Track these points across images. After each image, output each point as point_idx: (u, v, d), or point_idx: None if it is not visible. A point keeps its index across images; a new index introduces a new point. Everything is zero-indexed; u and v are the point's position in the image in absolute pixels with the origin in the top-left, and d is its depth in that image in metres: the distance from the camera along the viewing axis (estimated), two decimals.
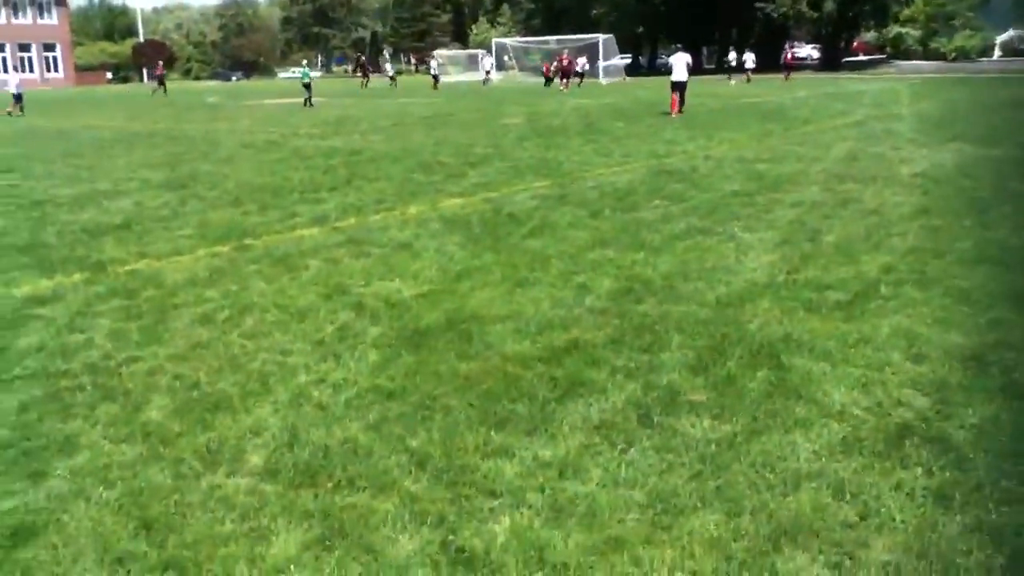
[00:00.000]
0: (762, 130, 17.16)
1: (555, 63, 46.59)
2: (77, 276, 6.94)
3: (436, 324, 5.44)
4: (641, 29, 63.79)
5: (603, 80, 49.98)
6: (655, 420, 3.94)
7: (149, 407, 4.29)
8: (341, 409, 4.19)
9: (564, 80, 42.44)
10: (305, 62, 38.00)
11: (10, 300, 6.28)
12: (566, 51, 48.90)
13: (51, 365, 4.92)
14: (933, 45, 55.33)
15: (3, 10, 75.66)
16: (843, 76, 47.26)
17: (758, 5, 55.27)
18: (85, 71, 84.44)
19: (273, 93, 44.93)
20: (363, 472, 3.54)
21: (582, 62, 46.77)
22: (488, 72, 53.66)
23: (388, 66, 59.45)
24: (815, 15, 54.60)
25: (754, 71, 44.12)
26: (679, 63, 22.33)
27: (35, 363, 4.96)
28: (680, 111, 21.86)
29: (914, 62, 54.68)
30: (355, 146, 16.46)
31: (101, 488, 3.46)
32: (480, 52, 67.39)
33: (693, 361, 4.64)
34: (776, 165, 11.94)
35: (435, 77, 48.68)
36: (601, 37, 53.12)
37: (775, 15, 54.86)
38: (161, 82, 47.83)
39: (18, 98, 30.06)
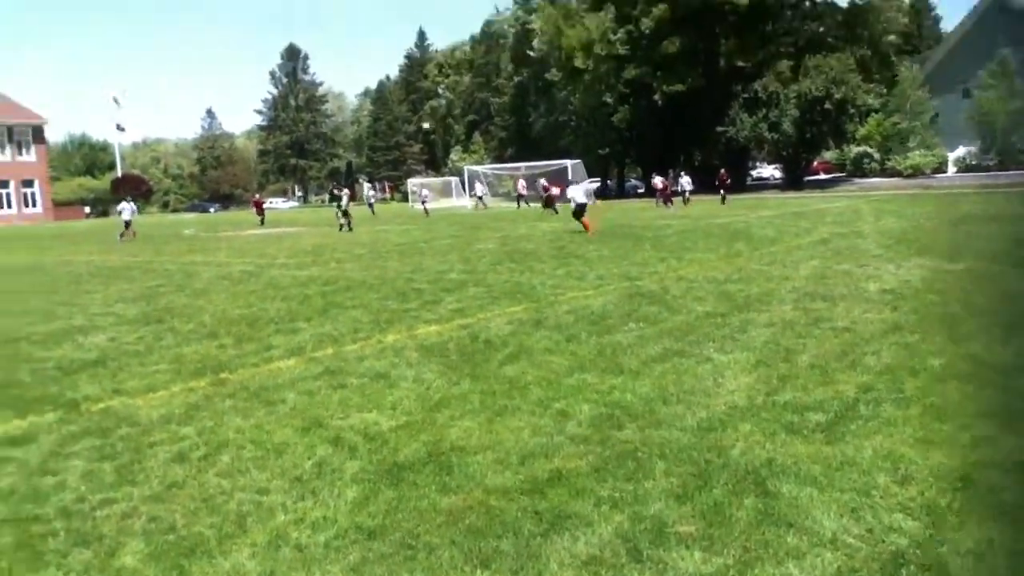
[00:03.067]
0: (730, 250, 17.53)
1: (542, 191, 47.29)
2: (51, 415, 6.82)
3: (416, 456, 5.38)
4: (604, 148, 65.71)
5: (572, 204, 51.09)
6: (645, 554, 3.87)
7: (124, 552, 4.17)
8: (321, 551, 4.09)
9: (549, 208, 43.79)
10: (346, 191, 38.69)
11: None
12: (542, 180, 50.60)
13: (22, 510, 4.79)
14: (890, 163, 57.33)
15: None
16: (805, 195, 48.69)
17: (720, 129, 57.32)
18: (63, 206, 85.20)
19: (250, 224, 45.36)
20: None
21: (521, 184, 48.90)
22: (480, 197, 55.10)
23: (368, 192, 61.11)
24: (775, 137, 56.63)
25: (728, 189, 44.20)
26: (577, 192, 26.78)
27: (5, 508, 4.83)
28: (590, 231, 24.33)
29: (873, 180, 56.54)
30: (331, 275, 16.58)
31: None
32: (455, 179, 68.86)
33: (678, 489, 4.60)
34: (746, 285, 12.15)
35: (423, 204, 49.76)
36: (569, 163, 54.62)
37: (739, 138, 56.85)
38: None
39: None
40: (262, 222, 44.13)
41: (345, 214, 33.65)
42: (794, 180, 59.33)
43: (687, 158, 66.82)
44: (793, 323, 9.14)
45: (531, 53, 69.94)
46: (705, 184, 50.23)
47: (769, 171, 78.36)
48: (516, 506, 4.49)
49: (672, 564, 3.76)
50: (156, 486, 5.11)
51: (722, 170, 44.66)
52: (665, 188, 44.04)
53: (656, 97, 57.03)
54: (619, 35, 58.64)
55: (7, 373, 8.61)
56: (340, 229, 32.79)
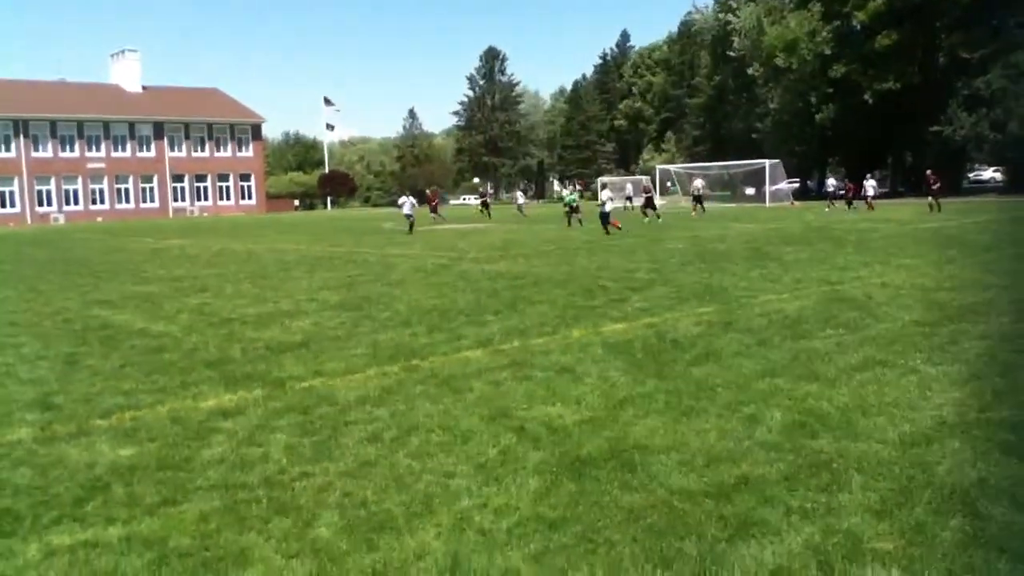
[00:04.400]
0: (942, 257, 16.35)
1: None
2: (258, 391, 7.32)
3: (598, 452, 5.35)
4: (803, 148, 62.93)
5: (768, 204, 49.52)
6: (836, 568, 3.66)
7: (319, 523, 4.39)
8: (503, 536, 4.14)
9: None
10: (576, 187, 39.81)
11: (197, 413, 6.69)
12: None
13: (230, 477, 5.15)
14: None
15: (208, 144, 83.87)
16: None
17: (934, 129, 53.59)
18: (275, 199, 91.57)
19: (443, 219, 46.89)
20: None
21: (697, 184, 46.86)
22: (629, 198, 53.31)
23: (518, 194, 58.01)
24: (998, 137, 52.33)
25: (938, 193, 37.65)
26: (603, 195, 29.27)
27: (216, 474, 5.21)
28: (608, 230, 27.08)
29: None
30: (519, 270, 16.85)
31: None
32: (645, 178, 68.29)
33: (876, 504, 4.32)
34: (959, 294, 11.28)
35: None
36: (767, 162, 52.85)
37: (956, 138, 52.88)
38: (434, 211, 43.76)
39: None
40: (436, 217, 43.12)
41: (575, 210, 34.14)
42: (1018, 184, 54.54)
43: (896, 159, 63.06)
44: (1012, 336, 8.39)
45: (730, 52, 68.21)
46: (916, 187, 47.11)
47: (988, 174, 72.67)
48: (700, 509, 4.37)
49: None
50: (350, 463, 5.36)
51: (928, 172, 39.66)
52: (849, 191, 41.93)
53: (865, 96, 54.09)
54: (826, 33, 56.10)
55: (221, 351, 9.32)
56: (576, 223, 33.07)
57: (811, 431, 5.59)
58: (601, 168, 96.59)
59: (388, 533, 4.24)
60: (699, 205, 44.41)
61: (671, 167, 65.43)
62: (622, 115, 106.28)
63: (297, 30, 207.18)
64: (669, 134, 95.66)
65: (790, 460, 5.04)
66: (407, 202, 33.48)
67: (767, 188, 53.03)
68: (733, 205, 53.59)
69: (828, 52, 56.05)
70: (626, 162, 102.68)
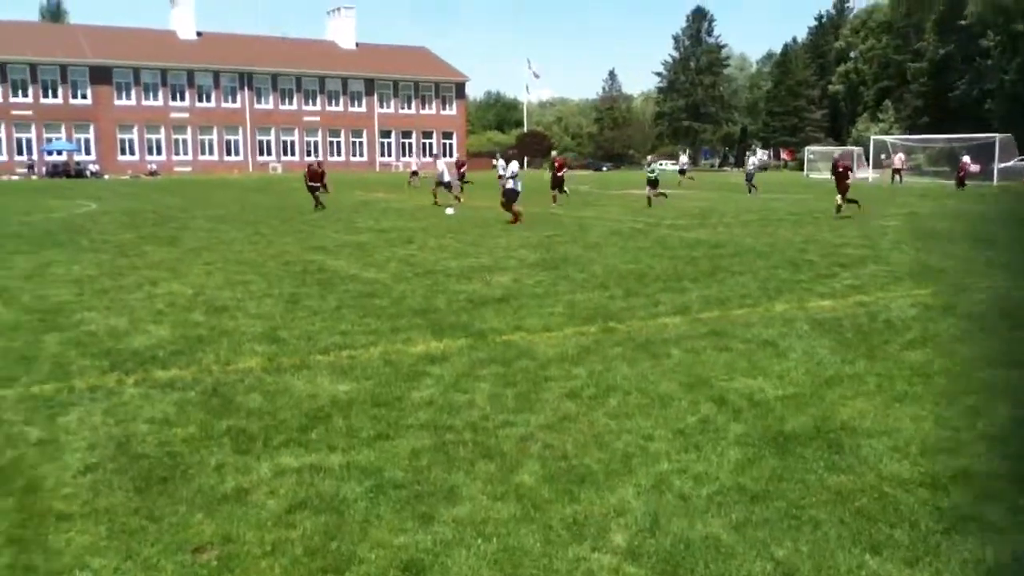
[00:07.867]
0: None
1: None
2: (462, 341, 7.62)
3: (803, 429, 5.21)
4: None
5: (995, 183, 45.65)
6: None
7: (522, 471, 4.55)
8: (703, 503, 4.13)
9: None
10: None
11: (407, 356, 7.06)
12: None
13: (439, 419, 5.43)
14: None
15: (414, 102, 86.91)
16: None
17: None
18: (474, 156, 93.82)
19: (640, 184, 46.45)
20: (725, 573, 3.45)
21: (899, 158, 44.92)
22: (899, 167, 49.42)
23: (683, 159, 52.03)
24: None
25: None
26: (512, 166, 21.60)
27: (425, 415, 5.50)
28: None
29: None
30: (719, 239, 16.47)
31: (479, 541, 3.72)
32: (857, 150, 64.56)
33: None
34: None
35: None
36: (998, 136, 48.57)
37: None
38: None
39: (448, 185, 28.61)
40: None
41: (653, 184, 28.36)
42: None
43: None
44: None
45: (964, 18, 62.75)
46: None
47: None
48: (914, 498, 4.17)
49: None
50: (551, 416, 5.49)
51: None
52: (961, 170, 37.63)
53: None
54: None
55: (427, 300, 9.74)
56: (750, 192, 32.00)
57: None
58: (809, 136, 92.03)
59: (588, 487, 4.33)
60: (897, 176, 42.91)
61: (887, 138, 61.39)
62: (839, 79, 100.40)
63: None
64: (887, 103, 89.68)
65: (1018, 458, 4.71)
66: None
67: (995, 165, 48.76)
68: (954, 181, 49.72)
69: None
70: (837, 131, 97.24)
